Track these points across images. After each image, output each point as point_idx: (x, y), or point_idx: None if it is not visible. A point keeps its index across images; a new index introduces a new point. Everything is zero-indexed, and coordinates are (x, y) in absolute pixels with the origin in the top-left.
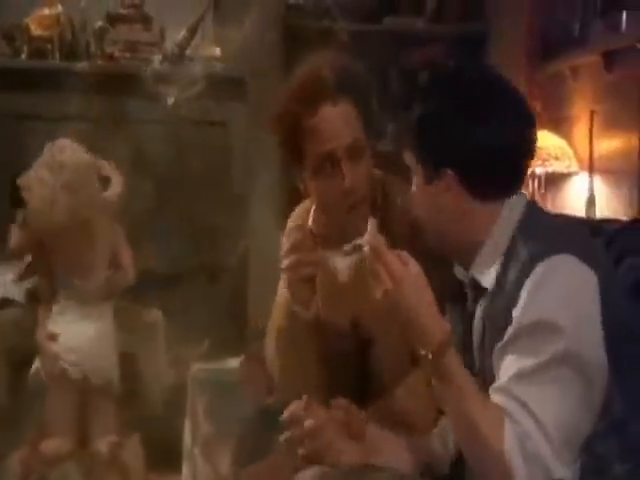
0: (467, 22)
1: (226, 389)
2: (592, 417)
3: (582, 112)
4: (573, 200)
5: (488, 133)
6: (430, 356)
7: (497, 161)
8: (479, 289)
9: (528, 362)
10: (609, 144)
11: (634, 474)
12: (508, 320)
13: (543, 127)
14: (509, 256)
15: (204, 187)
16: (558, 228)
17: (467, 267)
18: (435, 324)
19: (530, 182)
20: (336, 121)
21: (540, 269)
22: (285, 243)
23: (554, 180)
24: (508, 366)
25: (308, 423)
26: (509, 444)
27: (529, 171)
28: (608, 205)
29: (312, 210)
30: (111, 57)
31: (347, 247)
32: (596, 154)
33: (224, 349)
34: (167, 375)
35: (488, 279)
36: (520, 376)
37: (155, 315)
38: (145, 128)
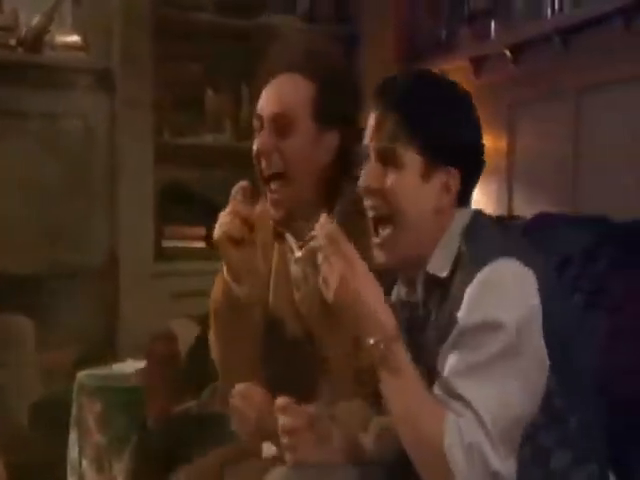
0: (339, 23)
1: (119, 396)
2: (532, 410)
3: None
4: None
5: (482, 140)
6: (382, 346)
7: (481, 168)
8: (433, 288)
9: (469, 359)
10: None
11: (574, 464)
12: (452, 322)
13: None
14: (457, 258)
15: (63, 185)
16: (498, 233)
17: (417, 271)
18: (385, 317)
19: None
20: (280, 89)
21: (483, 273)
22: None
23: None
24: (450, 363)
25: (286, 421)
26: (449, 438)
27: None
28: (479, 202)
29: None
30: None
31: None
32: None
33: (97, 354)
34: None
35: (444, 272)
36: (461, 372)
37: (22, 322)
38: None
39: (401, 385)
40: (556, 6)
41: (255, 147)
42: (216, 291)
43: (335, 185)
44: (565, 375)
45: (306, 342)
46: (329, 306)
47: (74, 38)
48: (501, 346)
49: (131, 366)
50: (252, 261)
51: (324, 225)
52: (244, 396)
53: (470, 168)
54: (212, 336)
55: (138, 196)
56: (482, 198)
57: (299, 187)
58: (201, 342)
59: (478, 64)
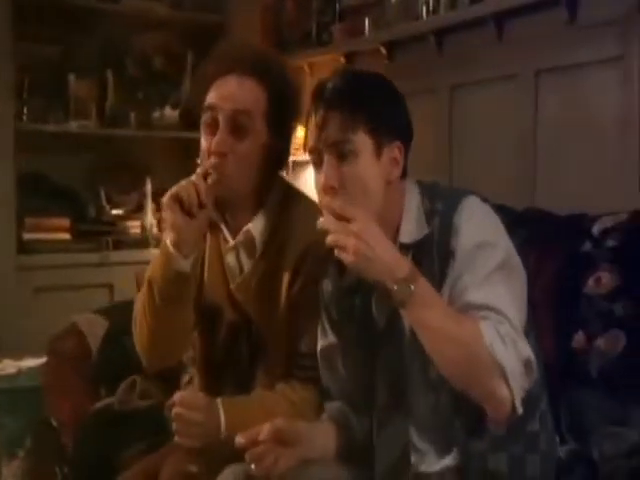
0: (206, 12)
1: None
2: (524, 311)
3: None
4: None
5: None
6: (407, 285)
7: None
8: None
9: (480, 274)
10: None
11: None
12: (445, 257)
13: None
14: (428, 216)
15: None
16: (443, 185)
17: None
18: (402, 261)
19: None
20: (232, 86)
21: (462, 209)
22: None
23: (299, 167)
24: (465, 283)
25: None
26: (489, 338)
27: None
28: None
29: None
30: None
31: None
32: None
33: None
34: None
35: (423, 232)
36: (476, 285)
37: None
38: None
39: (436, 313)
40: (431, 7)
41: (210, 145)
42: (155, 262)
43: (268, 179)
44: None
45: (243, 328)
46: (264, 292)
47: None
48: (500, 259)
49: (12, 365)
50: (199, 236)
51: (331, 202)
52: (187, 403)
53: (407, 141)
54: (142, 308)
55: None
56: None
57: (237, 181)
58: (112, 337)
59: (351, 59)
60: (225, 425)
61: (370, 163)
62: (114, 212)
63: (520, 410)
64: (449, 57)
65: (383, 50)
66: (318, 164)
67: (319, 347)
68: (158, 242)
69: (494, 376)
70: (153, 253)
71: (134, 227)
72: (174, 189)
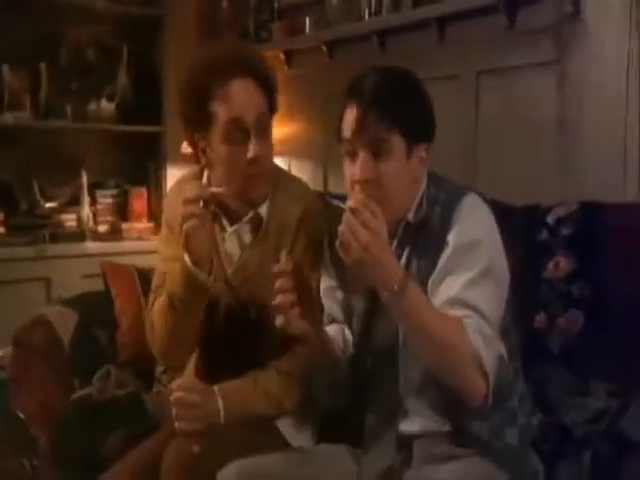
0: (145, 6)
1: None
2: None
3: None
4: None
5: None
6: (396, 287)
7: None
8: (410, 233)
9: (469, 273)
10: (292, 129)
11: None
12: (440, 246)
13: None
14: (430, 202)
15: None
16: (451, 182)
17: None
18: (396, 267)
19: None
20: (245, 93)
21: (463, 205)
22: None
23: None
24: (454, 279)
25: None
26: (473, 339)
27: None
28: None
29: (207, 176)
30: None
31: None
32: (282, 137)
33: None
34: None
35: (419, 215)
36: (465, 284)
37: None
38: None
39: (424, 310)
40: (373, 8)
41: (252, 154)
42: (175, 280)
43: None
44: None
45: (241, 313)
46: (263, 274)
47: None
48: (489, 261)
49: None
50: (210, 244)
51: (358, 196)
52: (185, 387)
53: (432, 140)
54: (162, 318)
55: None
56: (302, 177)
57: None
58: (83, 328)
59: (291, 56)
60: (224, 411)
61: (401, 162)
62: (48, 205)
63: (490, 400)
64: (392, 57)
65: (324, 48)
66: (352, 155)
67: (322, 287)
68: (95, 235)
69: (475, 372)
70: (90, 247)
71: (69, 220)
72: (188, 212)
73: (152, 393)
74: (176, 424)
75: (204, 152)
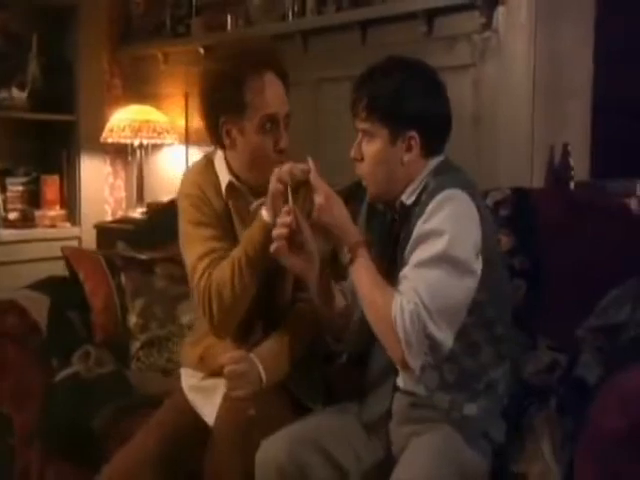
0: None
1: None
2: (466, 304)
3: (177, 92)
4: (171, 166)
5: (439, 104)
6: (347, 250)
7: (442, 126)
8: (405, 211)
9: (420, 255)
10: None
11: (496, 358)
12: (414, 228)
13: (130, 102)
14: (424, 188)
15: None
16: (455, 173)
17: (395, 199)
18: (352, 230)
19: (138, 151)
20: (278, 89)
21: (440, 196)
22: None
23: (157, 149)
24: (410, 260)
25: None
26: (394, 310)
27: (138, 142)
28: None
29: (227, 161)
30: None
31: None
32: (190, 128)
33: None
34: None
35: (411, 199)
36: (413, 264)
37: None
38: None
39: (364, 276)
40: (297, 10)
41: (283, 145)
42: (254, 236)
43: None
44: (494, 291)
45: (279, 274)
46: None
47: None
48: (441, 249)
49: None
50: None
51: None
52: (235, 359)
53: (428, 129)
54: (235, 279)
55: None
56: None
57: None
58: (57, 311)
59: (211, 51)
60: (265, 374)
61: (384, 147)
62: None
63: (417, 371)
64: (314, 56)
65: None
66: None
67: None
68: (5, 222)
69: (394, 339)
70: (1, 234)
71: None
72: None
73: (133, 369)
74: (231, 393)
75: (228, 134)
